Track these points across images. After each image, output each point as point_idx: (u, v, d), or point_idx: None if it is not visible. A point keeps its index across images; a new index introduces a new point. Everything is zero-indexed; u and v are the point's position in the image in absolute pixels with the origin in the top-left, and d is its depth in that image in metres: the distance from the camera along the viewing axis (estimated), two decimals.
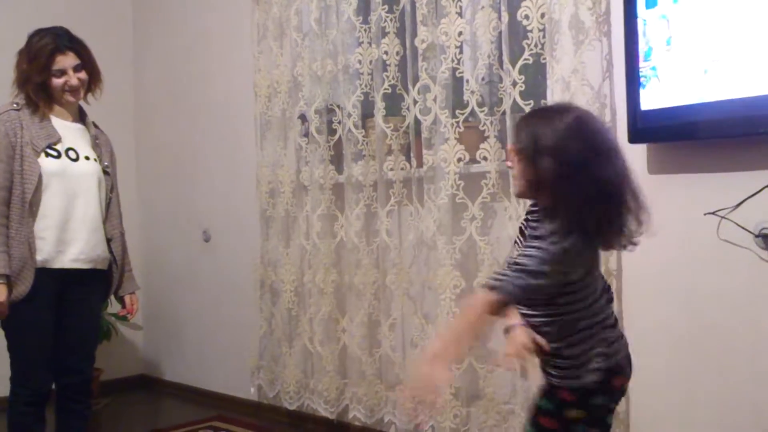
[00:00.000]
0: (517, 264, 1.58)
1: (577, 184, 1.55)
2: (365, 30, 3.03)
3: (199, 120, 4.05)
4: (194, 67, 4.06)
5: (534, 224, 1.67)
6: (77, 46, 2.57)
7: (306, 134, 3.31)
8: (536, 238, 1.61)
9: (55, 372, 2.58)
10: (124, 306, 2.76)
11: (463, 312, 1.65)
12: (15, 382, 2.51)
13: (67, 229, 2.51)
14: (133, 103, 4.48)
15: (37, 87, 2.50)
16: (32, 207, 2.44)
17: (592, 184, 1.55)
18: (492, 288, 1.57)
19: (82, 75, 2.56)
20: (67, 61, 2.52)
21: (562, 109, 1.68)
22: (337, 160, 3.23)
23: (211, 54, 3.95)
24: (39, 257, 2.46)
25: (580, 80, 2.40)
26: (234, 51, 3.77)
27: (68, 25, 2.61)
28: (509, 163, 1.71)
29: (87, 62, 2.58)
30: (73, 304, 2.56)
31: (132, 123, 4.46)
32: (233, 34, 3.77)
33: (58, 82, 2.51)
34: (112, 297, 2.76)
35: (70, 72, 2.52)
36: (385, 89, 2.98)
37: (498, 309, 1.59)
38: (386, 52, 2.97)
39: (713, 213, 2.18)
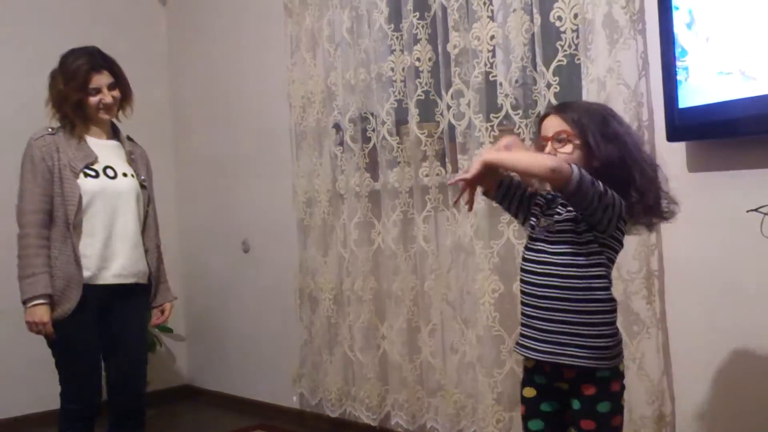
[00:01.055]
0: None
1: (639, 169, 1.77)
2: (397, 37, 3.05)
3: (235, 132, 4.11)
4: (229, 81, 4.12)
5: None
6: (111, 65, 2.62)
7: (341, 143, 3.34)
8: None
9: (109, 388, 2.63)
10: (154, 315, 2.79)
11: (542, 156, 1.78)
12: (64, 398, 2.55)
13: (109, 246, 2.55)
14: (170, 118, 4.55)
15: (75, 106, 2.55)
16: (76, 227, 2.49)
17: (648, 166, 1.80)
18: (571, 167, 1.69)
19: (116, 93, 2.61)
20: (102, 79, 2.57)
21: (599, 103, 1.93)
22: (372, 167, 3.24)
23: (246, 67, 4.00)
24: (84, 274, 2.50)
25: (615, 80, 2.38)
26: (268, 63, 3.81)
27: (104, 43, 2.67)
28: (551, 149, 1.80)
29: (120, 80, 2.63)
30: (119, 319, 2.60)
31: (170, 137, 4.53)
32: (267, 46, 3.82)
33: (93, 100, 2.56)
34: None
35: (105, 90, 2.57)
36: (419, 95, 2.99)
37: (563, 177, 1.68)
38: (419, 59, 2.98)
39: (756, 210, 2.14)
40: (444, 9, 2.88)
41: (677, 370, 2.37)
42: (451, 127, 2.89)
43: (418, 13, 2.97)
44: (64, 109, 2.56)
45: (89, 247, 2.52)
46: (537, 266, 1.82)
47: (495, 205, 2.69)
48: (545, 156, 1.78)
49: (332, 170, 3.41)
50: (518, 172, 1.84)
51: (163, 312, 2.78)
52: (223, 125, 4.18)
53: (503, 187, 1.92)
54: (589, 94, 2.44)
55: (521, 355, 1.88)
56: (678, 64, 2.21)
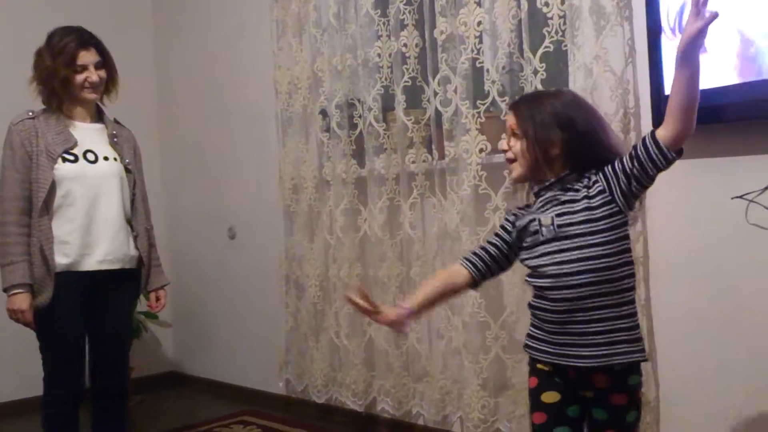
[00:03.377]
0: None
1: (588, 149, 1.72)
2: (384, 23, 3.03)
3: (221, 118, 4.08)
4: (215, 66, 4.09)
5: (585, 189, 1.71)
6: (98, 44, 2.59)
7: (327, 129, 3.32)
8: (609, 169, 1.70)
9: (91, 373, 2.63)
10: (150, 300, 2.79)
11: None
12: (47, 383, 2.55)
13: (91, 232, 2.53)
14: (156, 104, 4.52)
15: (62, 82, 2.51)
16: (49, 213, 2.47)
17: (600, 147, 1.73)
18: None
19: (102, 73, 2.58)
20: (89, 57, 2.54)
21: (555, 91, 1.86)
22: (358, 154, 3.23)
23: (231, 52, 3.97)
24: (65, 261, 2.49)
25: (602, 66, 2.38)
26: (254, 48, 3.78)
27: (90, 27, 2.64)
28: (506, 146, 1.80)
29: (107, 61, 2.60)
30: (104, 305, 2.59)
31: (155, 123, 4.50)
32: (252, 31, 3.79)
33: (79, 78, 2.53)
34: (144, 294, 2.79)
35: (92, 68, 2.54)
36: (405, 82, 2.97)
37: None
38: (405, 45, 2.96)
39: (741, 197, 2.15)
40: None
41: (662, 355, 2.38)
42: (438, 114, 2.88)
43: None
44: (51, 84, 2.52)
45: (70, 234, 2.50)
46: (564, 267, 1.68)
47: (482, 192, 2.72)
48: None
49: (318, 156, 3.40)
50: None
51: (158, 299, 2.77)
52: (209, 111, 4.15)
53: (486, 276, 1.85)
54: (576, 80, 2.44)
55: (555, 363, 1.72)
56: (664, 51, 2.21)
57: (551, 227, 1.71)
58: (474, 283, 1.86)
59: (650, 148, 1.65)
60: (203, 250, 4.24)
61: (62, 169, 2.49)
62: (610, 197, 1.69)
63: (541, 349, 1.75)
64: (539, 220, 1.73)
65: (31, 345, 2.55)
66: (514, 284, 2.66)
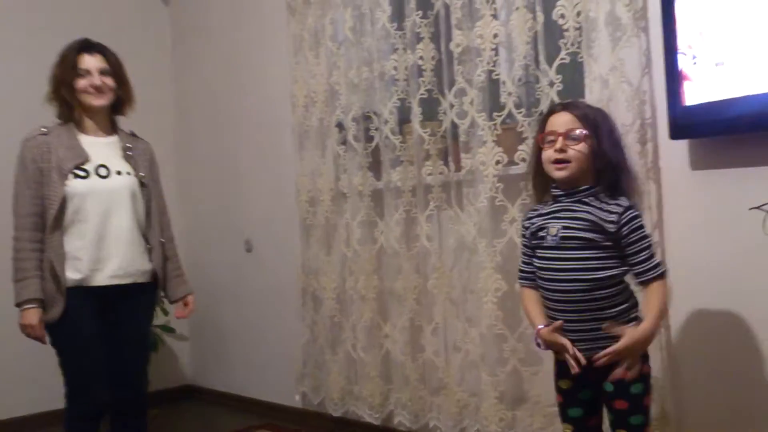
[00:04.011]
0: (651, 245, 1.92)
1: (628, 174, 1.95)
2: (400, 36, 3.04)
3: (238, 132, 4.11)
4: (232, 80, 4.13)
5: (599, 204, 1.90)
6: (105, 52, 2.59)
7: (344, 142, 3.34)
8: (631, 219, 1.89)
9: (109, 389, 2.59)
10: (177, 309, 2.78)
11: (662, 296, 1.93)
12: (68, 398, 2.55)
13: (102, 247, 2.52)
14: (173, 117, 4.56)
15: (67, 89, 2.53)
16: (60, 229, 2.47)
17: (632, 172, 2.00)
18: (664, 276, 1.91)
19: (108, 80, 2.56)
20: (92, 62, 2.54)
21: (601, 108, 2.08)
22: (375, 166, 3.24)
23: (249, 66, 4.01)
24: (76, 276, 2.49)
25: (618, 78, 2.38)
26: (271, 62, 3.82)
27: (107, 42, 2.65)
28: (562, 146, 1.89)
29: (115, 70, 2.59)
30: (118, 320, 2.58)
31: (172, 136, 4.53)
32: (270, 45, 3.82)
33: (82, 82, 2.52)
34: (156, 306, 2.79)
35: (95, 73, 2.53)
36: (422, 94, 2.98)
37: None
38: (421, 58, 2.98)
39: (758, 207, 2.14)
40: (447, 7, 2.87)
41: (678, 366, 2.36)
42: (454, 126, 2.89)
43: (421, 12, 2.97)
44: (61, 94, 2.54)
45: (81, 250, 2.49)
46: (559, 273, 1.92)
47: (498, 204, 2.72)
48: (661, 294, 1.91)
49: (335, 169, 3.41)
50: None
51: (186, 305, 2.76)
52: (226, 124, 4.18)
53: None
54: (592, 92, 2.44)
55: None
56: (681, 62, 2.21)
57: (555, 237, 1.92)
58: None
59: (637, 278, 1.93)
60: (220, 263, 4.26)
61: (73, 185, 2.48)
62: (613, 234, 1.88)
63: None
64: (548, 228, 1.94)
65: (47, 360, 2.56)
66: None
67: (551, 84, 2.54)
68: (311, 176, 3.50)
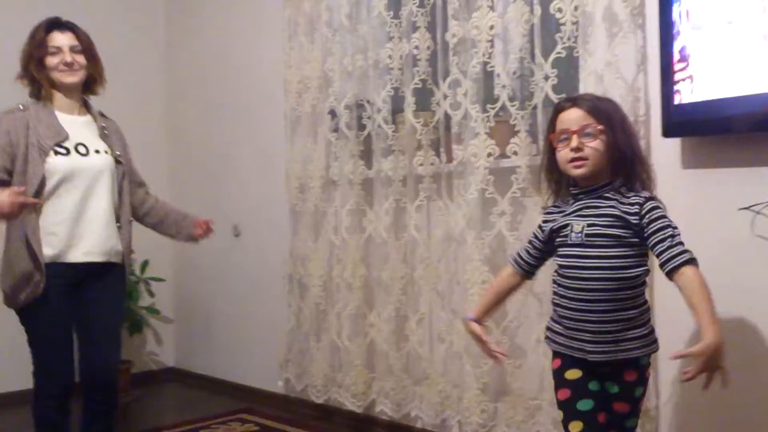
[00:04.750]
0: (676, 233, 1.80)
1: (642, 164, 1.93)
2: (396, 25, 3.03)
3: (230, 116, 4.09)
4: (225, 64, 4.10)
5: (620, 198, 1.86)
6: (76, 30, 2.57)
7: (336, 130, 3.32)
8: (652, 208, 1.83)
9: (80, 368, 2.58)
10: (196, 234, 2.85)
11: (702, 285, 1.77)
12: (37, 376, 2.53)
13: (79, 224, 2.50)
14: (165, 100, 4.52)
15: (37, 65, 2.51)
16: (36, 208, 2.43)
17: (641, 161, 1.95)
18: (693, 261, 1.78)
19: (80, 58, 2.54)
20: (62, 39, 2.52)
21: (610, 99, 2.02)
22: (366, 155, 3.23)
23: (242, 50, 3.98)
24: (50, 252, 2.46)
25: (613, 73, 2.37)
26: (265, 47, 3.79)
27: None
28: (578, 143, 1.85)
29: (86, 47, 2.56)
30: (91, 299, 2.56)
31: (164, 119, 4.51)
32: (264, 30, 3.80)
33: (53, 60, 2.51)
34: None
35: (66, 50, 2.51)
36: (416, 84, 2.97)
37: None
38: (417, 47, 2.96)
39: (748, 208, 2.14)
40: None
41: (664, 365, 2.37)
42: (447, 117, 2.88)
43: (417, 1, 2.96)
44: (30, 71, 2.52)
45: (57, 225, 2.47)
46: (584, 272, 1.86)
47: (488, 196, 2.72)
48: (702, 285, 1.77)
49: (326, 157, 3.40)
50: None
51: (202, 224, 2.85)
52: (218, 108, 4.16)
53: (531, 268, 2.08)
54: (587, 87, 2.43)
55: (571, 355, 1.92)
56: (676, 59, 2.21)
57: (580, 234, 1.88)
58: (524, 276, 2.10)
59: (666, 269, 1.79)
60: (207, 246, 4.19)
61: (54, 162, 2.46)
62: (636, 227, 1.83)
63: (560, 342, 1.94)
64: (571, 225, 1.90)
65: (23, 337, 2.52)
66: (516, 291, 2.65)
67: (546, 78, 2.53)
68: (302, 163, 3.49)
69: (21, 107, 2.51)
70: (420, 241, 3.01)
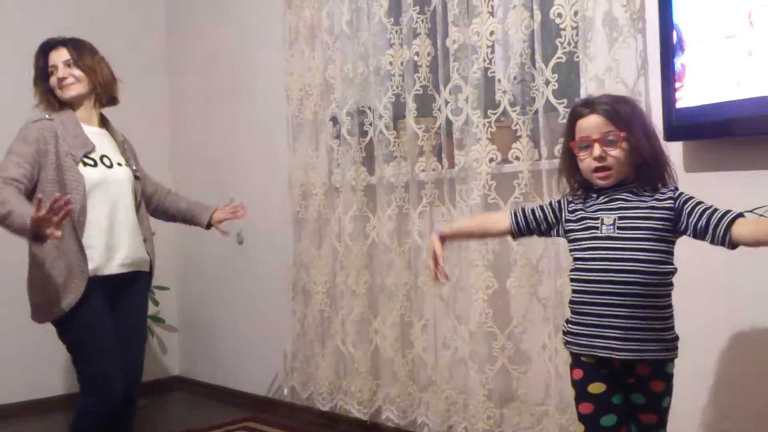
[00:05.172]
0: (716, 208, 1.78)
1: (665, 165, 1.86)
2: (396, 31, 3.03)
3: (232, 124, 4.09)
4: (227, 72, 4.11)
5: (649, 192, 1.82)
6: (71, 43, 2.57)
7: (338, 136, 3.33)
8: (688, 198, 1.80)
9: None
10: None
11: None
12: (85, 392, 2.47)
13: (113, 236, 2.51)
14: (167, 108, 4.54)
15: (47, 91, 2.55)
16: (80, 218, 2.43)
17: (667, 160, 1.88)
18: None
19: (75, 71, 2.54)
20: (56, 56, 2.54)
21: (629, 98, 1.96)
22: (368, 161, 3.23)
23: (244, 58, 3.99)
24: (91, 265, 2.44)
25: (614, 78, 2.37)
26: (266, 55, 3.80)
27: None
28: (601, 152, 1.80)
29: (82, 60, 2.55)
30: (123, 308, 2.57)
31: (166, 127, 4.52)
32: (265, 38, 3.80)
33: (53, 80, 2.54)
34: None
35: (60, 65, 2.53)
36: (417, 90, 2.98)
37: None
38: (417, 53, 2.97)
39: (751, 211, 2.13)
40: (444, 4, 2.87)
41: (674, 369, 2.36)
42: (449, 123, 2.88)
43: (417, 8, 2.96)
44: (44, 96, 2.56)
45: (94, 238, 2.46)
46: (615, 264, 1.78)
47: (491, 201, 2.71)
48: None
49: (328, 163, 3.40)
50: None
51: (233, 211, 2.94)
52: (220, 116, 4.17)
53: (522, 229, 2.02)
54: (588, 91, 2.43)
55: (594, 355, 1.82)
56: (677, 63, 2.21)
57: (611, 227, 1.81)
58: (512, 234, 2.04)
59: (720, 231, 1.74)
60: (211, 255, 4.25)
61: (85, 173, 2.46)
62: (672, 219, 1.79)
63: (582, 344, 1.84)
64: (602, 218, 1.83)
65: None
66: (521, 295, 2.65)
67: (547, 83, 2.53)
68: (304, 170, 3.49)
69: (47, 116, 2.51)
70: (423, 247, 3.01)
